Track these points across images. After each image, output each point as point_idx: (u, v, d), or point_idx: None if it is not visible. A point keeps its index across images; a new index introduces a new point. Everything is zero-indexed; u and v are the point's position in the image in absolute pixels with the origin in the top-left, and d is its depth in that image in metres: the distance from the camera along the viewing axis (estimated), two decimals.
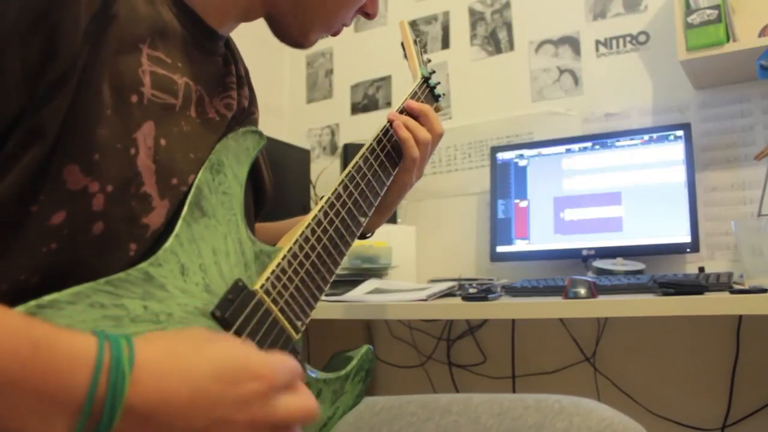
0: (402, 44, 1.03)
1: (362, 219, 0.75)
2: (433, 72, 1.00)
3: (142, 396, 0.42)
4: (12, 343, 0.40)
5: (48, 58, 0.50)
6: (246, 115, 0.78)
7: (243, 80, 0.79)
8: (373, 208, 0.78)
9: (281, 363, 0.50)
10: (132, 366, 0.42)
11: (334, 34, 0.80)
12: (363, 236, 0.94)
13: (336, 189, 0.73)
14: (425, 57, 1.04)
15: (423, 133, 0.87)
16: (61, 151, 0.51)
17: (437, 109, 1.00)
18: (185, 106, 0.63)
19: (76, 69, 0.51)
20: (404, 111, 0.89)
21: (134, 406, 0.42)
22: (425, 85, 0.97)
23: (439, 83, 1.00)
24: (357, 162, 0.77)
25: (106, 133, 0.53)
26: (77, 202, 0.52)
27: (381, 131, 0.84)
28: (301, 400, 0.50)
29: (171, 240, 0.54)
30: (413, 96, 0.93)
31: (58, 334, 0.42)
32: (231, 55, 0.77)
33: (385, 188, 0.82)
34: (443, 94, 1.01)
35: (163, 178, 0.58)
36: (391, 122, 0.86)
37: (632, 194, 1.65)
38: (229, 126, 0.70)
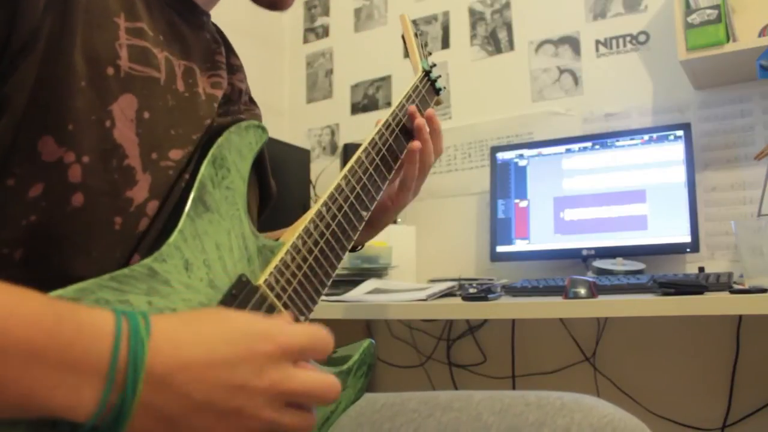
0: (403, 37, 1.03)
1: (364, 213, 0.75)
2: (434, 65, 1.00)
3: (162, 363, 0.44)
4: (37, 315, 0.42)
5: (12, 30, 0.50)
6: (247, 103, 0.78)
7: (236, 68, 0.78)
8: (375, 202, 0.78)
9: (299, 329, 0.51)
10: (149, 334, 0.44)
11: None
12: (353, 249, 0.94)
13: (337, 183, 0.73)
14: (426, 50, 1.04)
15: (432, 154, 0.90)
16: (33, 123, 0.51)
17: (438, 103, 1.00)
18: (170, 80, 0.62)
19: (39, 39, 0.51)
20: (405, 112, 0.89)
21: (155, 373, 0.43)
22: (426, 78, 0.97)
23: (440, 76, 1.00)
24: (358, 156, 0.77)
25: (80, 104, 0.53)
26: (53, 173, 0.52)
27: (383, 125, 0.84)
28: (317, 377, 0.51)
29: (175, 235, 0.54)
30: (414, 89, 0.93)
31: (79, 308, 0.44)
32: (222, 40, 0.76)
33: (387, 181, 0.82)
34: (444, 88, 1.01)
35: (146, 151, 0.57)
36: (412, 113, 0.87)
37: (631, 194, 1.66)
38: (226, 109, 0.69)
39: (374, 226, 0.92)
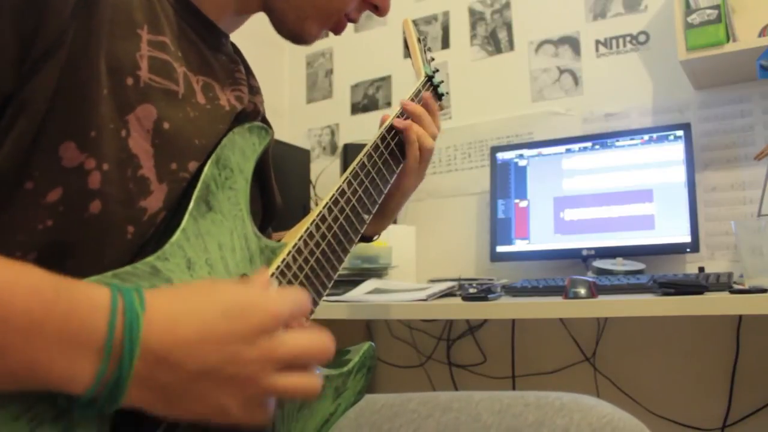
0: (405, 42, 1.02)
1: (366, 216, 0.76)
2: (437, 70, 1.00)
3: (156, 336, 0.45)
4: (36, 286, 0.43)
5: (37, 34, 0.50)
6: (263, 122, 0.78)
7: (256, 90, 0.79)
8: (377, 205, 0.79)
9: (285, 295, 0.52)
10: (144, 308, 0.45)
11: (337, 30, 0.78)
12: (369, 240, 0.95)
13: (340, 186, 0.73)
14: (429, 55, 1.04)
15: (428, 136, 0.89)
16: (56, 128, 0.51)
17: (440, 108, 1.00)
18: (189, 93, 0.63)
19: (62, 45, 0.52)
20: (404, 113, 0.89)
21: (150, 347, 0.44)
22: (429, 83, 0.97)
23: (442, 81, 1.00)
24: (361, 159, 0.77)
25: (102, 111, 0.53)
26: (73, 179, 0.52)
27: (384, 128, 0.84)
28: (311, 336, 0.52)
29: (178, 234, 0.55)
30: (417, 94, 0.93)
31: (77, 283, 0.45)
32: (241, 60, 0.77)
33: (389, 185, 0.82)
34: (447, 93, 1.01)
35: (162, 162, 0.58)
36: (397, 127, 0.87)
37: (630, 194, 1.66)
38: (240, 121, 0.70)
39: (385, 214, 0.92)
